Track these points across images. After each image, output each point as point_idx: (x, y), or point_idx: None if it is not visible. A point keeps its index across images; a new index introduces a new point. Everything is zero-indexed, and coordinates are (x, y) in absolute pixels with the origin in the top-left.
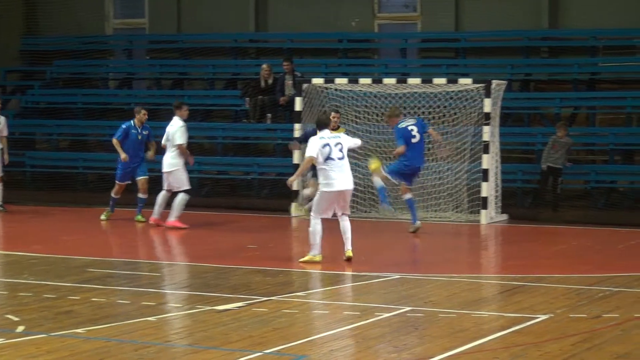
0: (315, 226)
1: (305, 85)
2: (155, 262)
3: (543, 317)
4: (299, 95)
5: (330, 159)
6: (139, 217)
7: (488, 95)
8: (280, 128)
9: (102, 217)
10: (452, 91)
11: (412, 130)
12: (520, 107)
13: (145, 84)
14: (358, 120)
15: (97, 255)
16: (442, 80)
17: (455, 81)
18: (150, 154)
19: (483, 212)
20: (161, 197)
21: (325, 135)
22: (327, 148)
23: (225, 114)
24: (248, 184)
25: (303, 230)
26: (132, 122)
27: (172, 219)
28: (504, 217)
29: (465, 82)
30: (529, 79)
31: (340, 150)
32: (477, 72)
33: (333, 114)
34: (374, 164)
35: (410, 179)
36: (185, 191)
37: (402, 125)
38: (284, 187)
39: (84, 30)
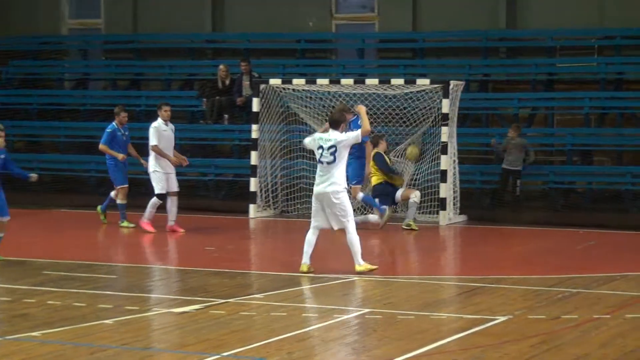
0: (307, 234)
1: (262, 86)
2: (112, 265)
3: (502, 318)
4: (257, 96)
5: (320, 162)
6: (103, 218)
7: (446, 95)
8: (238, 129)
9: (125, 224)
10: (410, 92)
11: None
12: (478, 107)
13: (101, 85)
14: (316, 121)
15: (53, 257)
16: (400, 81)
17: (413, 82)
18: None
19: (441, 213)
20: (168, 202)
21: (325, 136)
22: (320, 151)
23: (181, 115)
24: (205, 185)
25: (260, 232)
26: (114, 124)
27: (143, 220)
28: (463, 218)
29: (423, 82)
30: (487, 80)
31: (332, 154)
32: (435, 73)
33: None
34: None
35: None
36: (157, 195)
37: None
38: (242, 189)
39: (39, 31)
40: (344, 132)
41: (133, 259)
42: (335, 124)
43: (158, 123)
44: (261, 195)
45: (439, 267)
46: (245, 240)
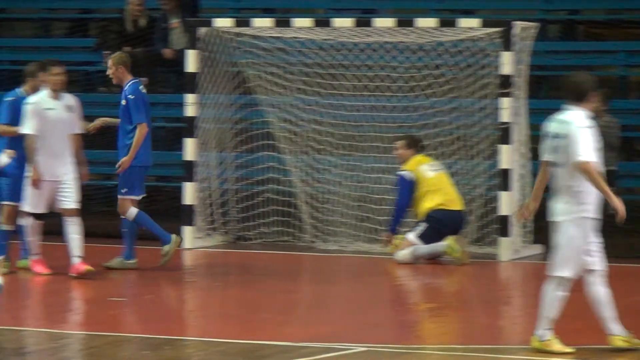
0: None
1: (203, 30)
2: None
3: None
4: (193, 47)
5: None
6: (26, 262)
7: (508, 46)
8: (163, 101)
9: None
10: (448, 41)
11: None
12: (561, 65)
13: None
14: (290, 86)
15: None
16: (430, 22)
17: (451, 23)
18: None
19: (502, 241)
20: (66, 226)
21: (558, 116)
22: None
23: (70, 76)
24: (106, 194)
25: (203, 272)
26: (19, 90)
27: (31, 258)
28: (538, 249)
29: (468, 23)
30: (576, 20)
31: (556, 149)
32: (489, 8)
33: None
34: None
35: (142, 184)
36: (31, 214)
37: (142, 88)
38: (171, 201)
39: None
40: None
41: None
42: (575, 95)
43: (40, 97)
44: (203, 212)
45: (499, 330)
46: (176, 285)
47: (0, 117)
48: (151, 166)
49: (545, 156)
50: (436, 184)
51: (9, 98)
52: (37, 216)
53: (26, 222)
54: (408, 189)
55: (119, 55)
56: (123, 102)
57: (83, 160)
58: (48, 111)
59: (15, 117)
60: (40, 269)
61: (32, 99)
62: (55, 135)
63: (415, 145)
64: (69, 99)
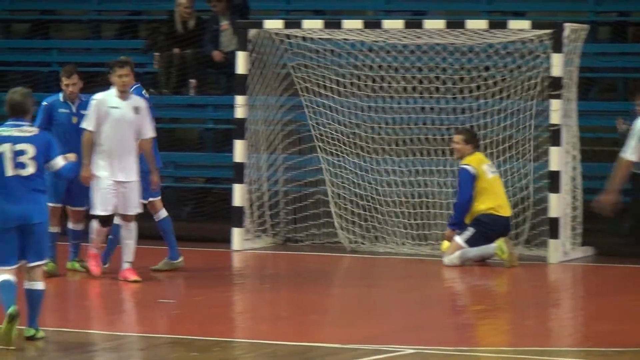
0: None
1: (253, 32)
2: None
3: None
4: (244, 49)
5: None
6: (75, 264)
7: (558, 48)
8: (212, 103)
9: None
10: (498, 42)
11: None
12: (612, 68)
13: None
14: (341, 89)
15: None
16: (480, 24)
17: (501, 24)
18: None
19: (551, 243)
20: (122, 231)
21: None
22: None
23: None
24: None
25: (252, 274)
26: (60, 95)
27: (90, 250)
28: (587, 251)
29: (518, 25)
30: (626, 21)
31: None
32: (539, 10)
33: None
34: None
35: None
36: (96, 218)
37: (144, 92)
38: (221, 202)
39: None
40: None
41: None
42: None
43: (106, 94)
44: (252, 214)
45: (548, 334)
46: (224, 287)
47: (34, 122)
48: (161, 167)
49: (628, 155)
50: (491, 187)
51: (44, 102)
52: (103, 223)
53: (92, 225)
54: (471, 183)
55: (129, 60)
56: None
57: (153, 166)
58: (112, 109)
59: (48, 122)
60: (93, 267)
61: (98, 95)
62: (117, 134)
63: (474, 140)
64: (137, 100)
